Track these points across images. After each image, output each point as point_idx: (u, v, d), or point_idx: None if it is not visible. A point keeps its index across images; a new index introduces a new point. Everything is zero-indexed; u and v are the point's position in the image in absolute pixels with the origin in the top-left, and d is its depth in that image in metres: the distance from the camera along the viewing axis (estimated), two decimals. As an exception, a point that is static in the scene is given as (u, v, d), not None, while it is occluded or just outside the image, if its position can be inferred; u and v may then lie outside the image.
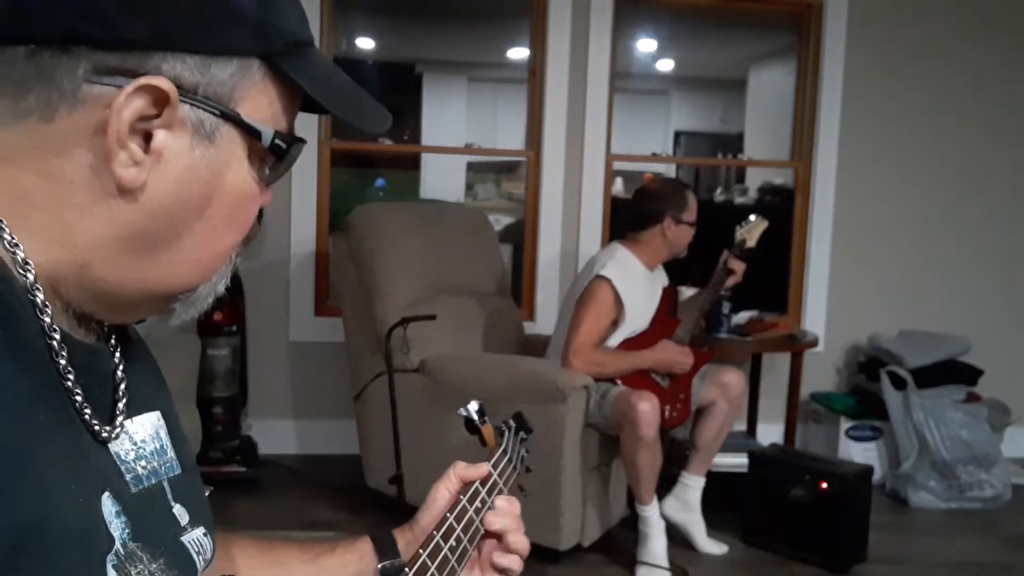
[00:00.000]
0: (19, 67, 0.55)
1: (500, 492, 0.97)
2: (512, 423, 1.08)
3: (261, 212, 0.68)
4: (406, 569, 0.75)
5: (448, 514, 0.85)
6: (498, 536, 0.92)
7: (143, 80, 0.55)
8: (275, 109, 0.63)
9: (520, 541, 0.92)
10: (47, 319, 0.56)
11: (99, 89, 0.56)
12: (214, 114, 0.59)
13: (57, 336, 0.57)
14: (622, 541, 3.01)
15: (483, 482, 0.93)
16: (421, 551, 0.77)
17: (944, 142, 4.12)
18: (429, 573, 0.76)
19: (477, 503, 0.90)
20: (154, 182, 0.58)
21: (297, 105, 0.65)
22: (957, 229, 4.15)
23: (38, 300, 0.56)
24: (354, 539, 0.93)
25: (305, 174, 3.78)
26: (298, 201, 3.78)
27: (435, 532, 0.81)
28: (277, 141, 0.62)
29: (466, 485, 0.92)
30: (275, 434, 3.79)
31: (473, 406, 1.00)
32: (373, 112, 0.69)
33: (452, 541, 0.82)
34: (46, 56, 0.55)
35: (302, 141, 0.65)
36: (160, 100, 0.56)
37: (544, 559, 2.84)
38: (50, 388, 0.56)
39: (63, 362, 0.57)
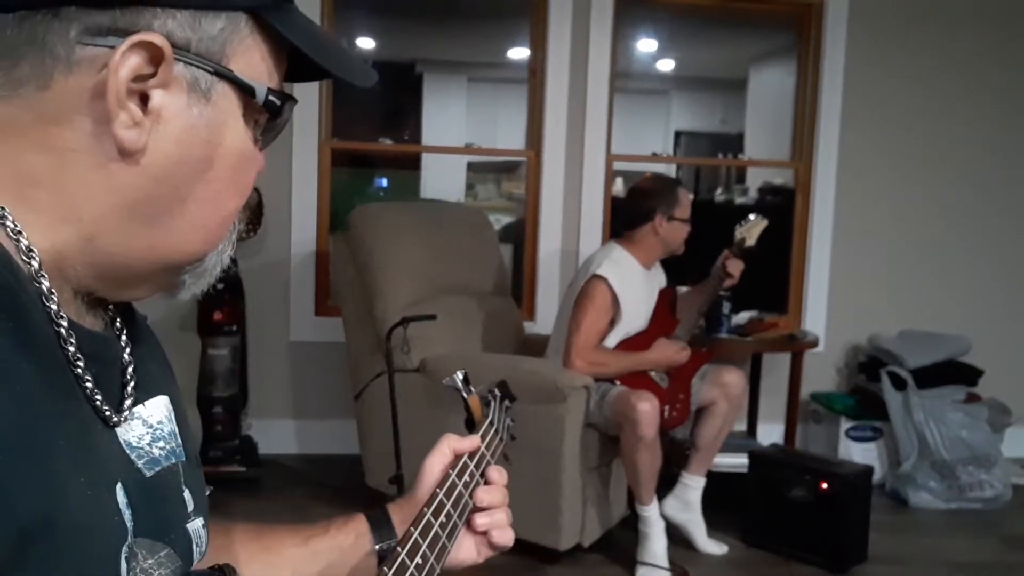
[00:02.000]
0: (9, 35, 0.55)
1: (488, 464, 0.96)
2: (497, 392, 1.08)
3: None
4: (398, 548, 0.74)
5: (438, 489, 0.84)
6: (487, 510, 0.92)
7: (137, 37, 0.55)
8: (268, 65, 0.62)
9: (502, 520, 0.92)
10: (54, 306, 0.56)
11: (93, 51, 0.55)
12: (208, 71, 0.59)
13: (65, 323, 0.56)
14: (622, 541, 3.00)
15: (471, 455, 0.93)
16: (412, 529, 0.77)
17: (944, 142, 4.12)
18: (421, 551, 0.76)
19: (466, 477, 0.90)
20: (154, 143, 0.57)
21: (284, 64, 0.64)
22: (957, 229, 4.15)
23: (44, 287, 0.56)
24: (348, 518, 0.92)
25: (305, 174, 3.78)
26: (298, 201, 3.78)
27: (425, 509, 0.81)
28: (271, 98, 0.62)
29: (456, 459, 0.92)
30: (275, 434, 3.79)
31: (458, 376, 0.99)
32: (360, 68, 0.68)
33: (442, 517, 0.82)
34: (36, 20, 0.54)
35: (293, 100, 0.64)
36: (155, 58, 0.56)
37: (544, 559, 2.84)
38: (60, 377, 0.55)
39: (72, 349, 0.57)
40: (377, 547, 0.90)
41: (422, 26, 6.03)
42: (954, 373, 3.79)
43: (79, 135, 0.56)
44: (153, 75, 0.56)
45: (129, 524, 0.57)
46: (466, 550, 0.92)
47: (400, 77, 6.93)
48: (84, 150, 0.56)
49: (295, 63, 0.65)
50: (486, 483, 0.93)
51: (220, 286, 3.40)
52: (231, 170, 0.62)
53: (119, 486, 0.58)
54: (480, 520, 0.91)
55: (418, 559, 0.75)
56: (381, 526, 0.91)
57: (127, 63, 0.55)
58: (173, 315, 3.53)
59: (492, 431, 1.02)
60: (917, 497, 3.57)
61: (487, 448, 0.98)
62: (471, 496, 0.90)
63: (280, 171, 3.73)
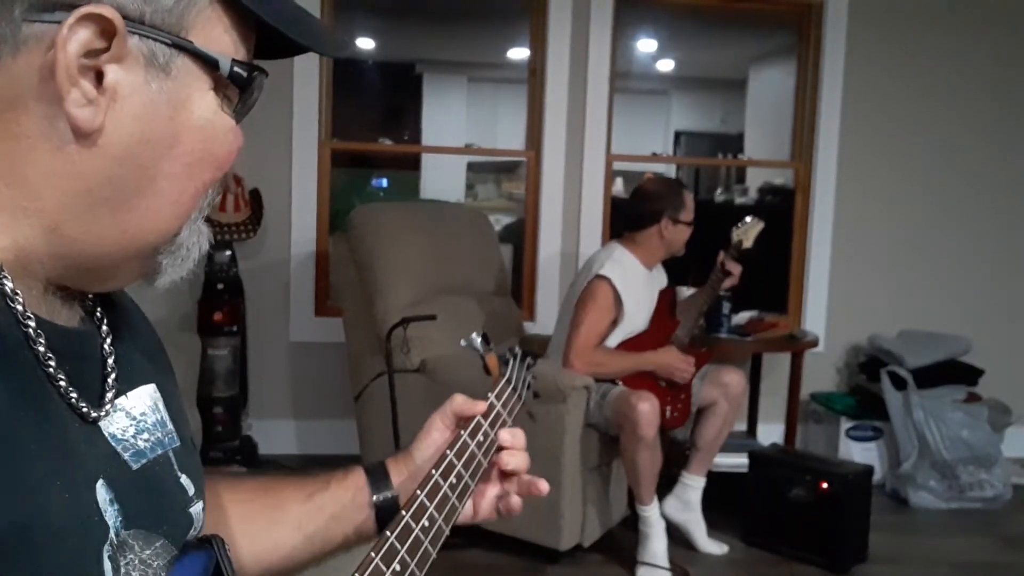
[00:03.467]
0: None
1: (504, 423, 0.95)
2: (517, 350, 1.06)
3: None
4: (402, 511, 0.73)
5: (448, 451, 0.83)
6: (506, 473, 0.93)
7: (85, 9, 0.52)
8: (232, 37, 0.60)
9: (521, 468, 0.93)
10: (19, 306, 0.54)
11: (39, 27, 0.53)
12: (165, 43, 0.56)
13: (32, 323, 0.55)
14: (622, 541, 3.00)
15: (486, 414, 0.91)
16: (419, 491, 0.76)
17: (944, 142, 4.11)
18: (428, 513, 0.75)
19: (479, 436, 0.88)
20: (112, 123, 0.55)
21: (252, 37, 0.62)
22: (958, 229, 4.15)
23: (7, 288, 0.54)
24: (347, 472, 0.92)
25: (305, 174, 3.78)
26: (298, 201, 3.78)
27: (433, 471, 0.79)
28: (236, 69, 0.60)
29: (466, 420, 0.91)
30: (275, 434, 3.79)
31: (476, 336, 0.99)
32: (331, 38, 0.67)
33: (452, 478, 0.80)
34: None
35: (263, 72, 0.62)
36: (106, 31, 0.53)
37: (544, 559, 2.84)
38: (30, 378, 0.54)
39: (42, 348, 0.55)
40: (374, 498, 0.90)
41: (422, 26, 6.04)
42: (954, 373, 3.79)
43: (32, 119, 0.54)
44: (106, 49, 0.54)
45: (111, 521, 0.56)
46: (486, 507, 0.93)
47: (400, 77, 6.93)
48: (39, 135, 0.54)
49: (270, 40, 0.63)
50: (500, 446, 0.91)
51: (220, 286, 3.43)
52: (201, 143, 0.59)
53: (100, 483, 0.56)
54: (506, 486, 0.93)
55: (424, 521, 0.74)
56: (379, 480, 0.91)
57: (76, 37, 0.53)
58: (173, 315, 3.53)
59: (510, 389, 1.00)
60: (917, 497, 3.57)
61: (503, 407, 0.96)
62: (484, 456, 0.88)
63: (280, 171, 3.73)
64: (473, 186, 6.89)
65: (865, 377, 3.97)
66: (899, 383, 3.68)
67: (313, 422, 3.88)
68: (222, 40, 0.59)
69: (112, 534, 0.56)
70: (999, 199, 4.17)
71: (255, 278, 3.70)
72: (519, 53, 5.05)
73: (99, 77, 0.54)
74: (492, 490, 0.93)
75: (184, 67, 0.57)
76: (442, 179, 6.79)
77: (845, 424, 3.83)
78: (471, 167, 6.87)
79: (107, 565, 0.55)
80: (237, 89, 0.61)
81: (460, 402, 0.93)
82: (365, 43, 5.84)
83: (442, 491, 0.78)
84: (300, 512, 0.89)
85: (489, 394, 0.95)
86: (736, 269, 3.02)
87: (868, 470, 3.06)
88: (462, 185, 6.81)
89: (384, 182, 6.31)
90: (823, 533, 2.93)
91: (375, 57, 6.19)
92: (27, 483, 0.50)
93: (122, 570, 0.56)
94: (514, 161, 6.08)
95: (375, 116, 6.51)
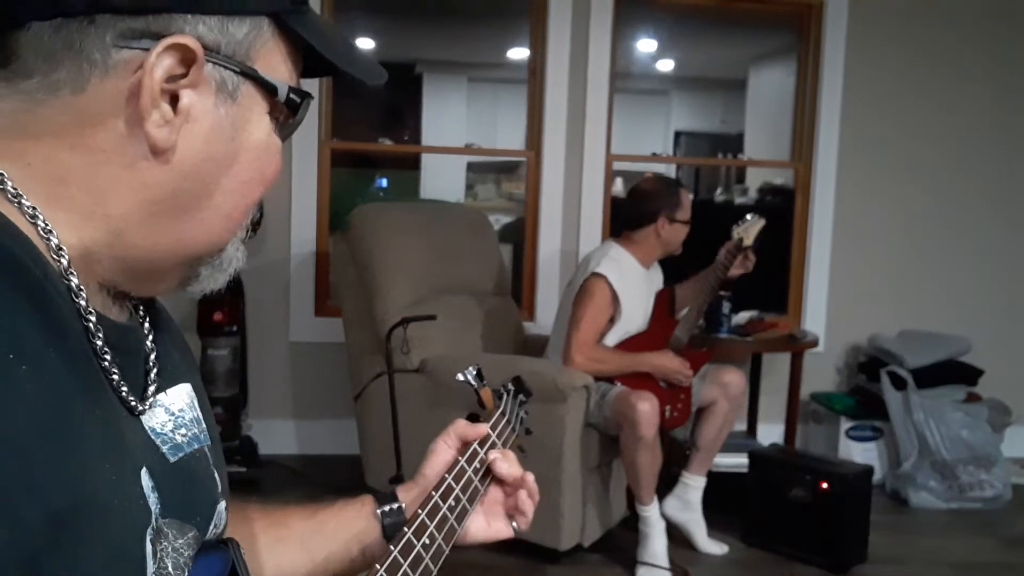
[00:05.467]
0: (46, 42, 0.57)
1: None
2: (511, 386, 1.10)
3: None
4: (405, 528, 0.77)
5: (447, 475, 0.88)
6: (503, 483, 0.96)
7: (172, 39, 0.57)
8: (288, 66, 0.66)
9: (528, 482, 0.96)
10: (82, 302, 0.58)
11: (128, 53, 0.58)
12: (235, 71, 0.61)
13: (93, 318, 0.58)
14: (622, 541, 3.01)
15: (481, 443, 0.95)
16: (420, 511, 0.80)
17: (944, 142, 4.12)
18: (428, 531, 0.79)
19: (476, 463, 0.92)
20: (183, 142, 0.60)
21: (300, 63, 0.68)
22: (958, 229, 4.15)
23: (73, 284, 0.58)
24: (356, 496, 0.96)
25: (305, 174, 3.78)
26: (298, 201, 3.78)
27: (433, 492, 0.84)
28: (291, 95, 0.65)
29: (465, 446, 0.95)
30: (275, 434, 3.79)
31: (471, 371, 1.02)
32: (371, 66, 0.72)
33: (451, 501, 0.85)
34: (73, 28, 0.57)
35: (311, 96, 0.67)
36: (187, 59, 0.58)
37: (544, 559, 2.84)
38: (88, 368, 0.58)
39: (99, 343, 0.59)
40: (379, 511, 0.92)
41: (422, 26, 6.03)
42: (954, 373, 3.79)
43: (112, 136, 0.59)
44: (184, 75, 0.59)
45: (154, 508, 0.60)
46: (496, 526, 0.96)
47: (400, 77, 6.92)
48: (115, 150, 0.59)
49: (307, 60, 0.68)
50: (488, 468, 0.95)
51: (220, 286, 3.44)
52: (256, 162, 0.66)
53: (144, 471, 0.60)
54: (499, 495, 0.96)
55: (425, 539, 0.78)
56: (385, 497, 0.95)
57: (162, 64, 0.57)
58: (173, 315, 3.52)
59: (504, 421, 1.04)
60: (917, 497, 3.57)
61: (498, 437, 1.00)
62: (481, 482, 0.92)
63: (280, 171, 3.72)
64: (473, 186, 6.88)
65: (865, 377, 3.97)
66: (899, 383, 3.68)
67: (313, 422, 3.88)
68: (279, 68, 0.65)
69: (154, 519, 0.60)
70: (999, 199, 4.17)
71: (255, 278, 3.70)
72: (519, 53, 5.05)
73: (174, 100, 0.59)
74: (499, 509, 0.97)
75: (248, 93, 0.63)
76: (442, 179, 6.79)
77: (845, 424, 3.83)
78: (471, 167, 6.87)
79: (148, 548, 0.58)
80: (288, 112, 0.66)
81: (462, 426, 0.97)
82: (365, 43, 5.84)
83: (441, 512, 0.83)
84: (304, 528, 0.91)
85: (485, 424, 0.98)
86: (750, 258, 2.99)
87: (868, 470, 3.06)
88: (462, 185, 6.81)
89: (384, 182, 6.31)
90: (823, 533, 2.93)
91: (375, 57, 6.18)
92: (83, 463, 0.53)
93: (158, 555, 0.60)
94: (514, 161, 6.08)
95: (375, 116, 6.50)
